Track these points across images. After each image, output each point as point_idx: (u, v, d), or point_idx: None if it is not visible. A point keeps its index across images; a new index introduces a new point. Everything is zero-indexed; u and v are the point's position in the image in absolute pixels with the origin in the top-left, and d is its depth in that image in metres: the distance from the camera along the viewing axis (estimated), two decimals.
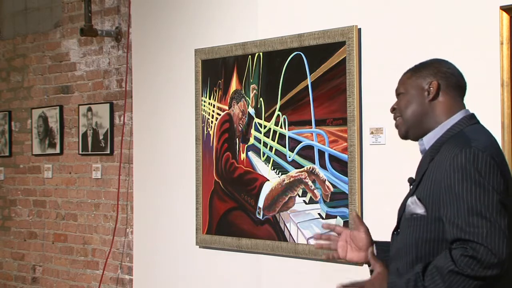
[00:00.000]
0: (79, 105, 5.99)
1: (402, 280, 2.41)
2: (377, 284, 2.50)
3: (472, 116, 2.60)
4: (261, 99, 4.57)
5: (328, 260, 2.73)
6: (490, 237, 2.30)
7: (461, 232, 2.34)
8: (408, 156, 3.85)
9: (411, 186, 2.59)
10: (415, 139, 2.64)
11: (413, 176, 2.66)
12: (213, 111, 4.85)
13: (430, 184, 2.46)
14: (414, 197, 2.50)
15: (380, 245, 2.75)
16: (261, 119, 4.57)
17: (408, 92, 2.63)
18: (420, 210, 2.48)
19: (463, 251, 2.32)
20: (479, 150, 2.39)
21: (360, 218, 2.78)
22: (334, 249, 2.72)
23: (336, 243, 2.73)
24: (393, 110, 2.69)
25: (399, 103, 2.65)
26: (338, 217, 4.15)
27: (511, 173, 2.48)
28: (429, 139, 2.59)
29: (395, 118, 2.68)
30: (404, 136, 2.66)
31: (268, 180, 4.52)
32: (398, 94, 2.68)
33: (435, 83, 2.59)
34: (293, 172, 4.37)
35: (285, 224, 4.42)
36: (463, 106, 2.62)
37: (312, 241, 4.26)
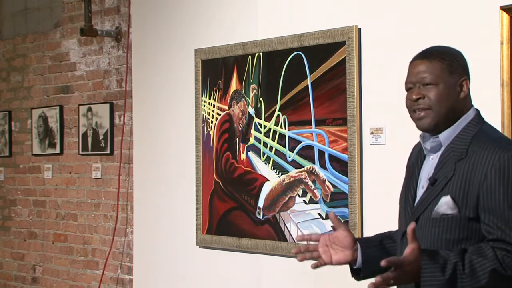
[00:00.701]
0: (79, 105, 5.99)
1: (436, 265, 2.35)
2: (414, 264, 2.36)
3: (479, 112, 2.59)
4: (261, 99, 4.57)
5: (316, 267, 2.65)
6: None
7: (504, 235, 2.36)
8: (408, 156, 3.85)
9: (432, 187, 2.51)
10: (435, 133, 2.55)
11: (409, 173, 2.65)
12: (213, 111, 4.85)
13: (464, 185, 2.43)
14: (449, 197, 2.45)
15: (364, 241, 2.68)
16: (261, 119, 4.57)
17: (439, 85, 2.52)
18: (452, 210, 2.44)
19: (507, 253, 2.34)
20: None
21: (338, 217, 2.72)
22: (317, 256, 2.65)
23: (317, 251, 2.62)
24: (418, 99, 2.53)
25: (428, 94, 2.52)
26: (338, 217, 4.14)
27: None
28: (446, 137, 2.53)
29: (420, 109, 2.54)
30: (432, 128, 2.54)
31: (268, 180, 4.52)
32: (423, 83, 2.53)
33: (467, 82, 2.56)
34: (293, 172, 4.37)
35: (285, 224, 4.42)
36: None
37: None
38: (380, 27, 4.04)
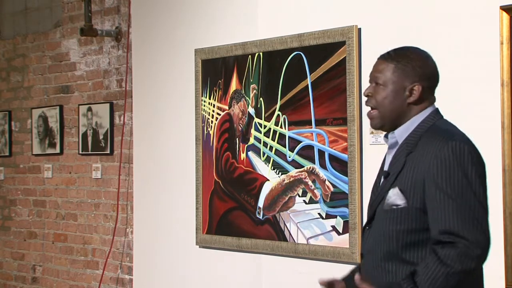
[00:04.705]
0: (79, 105, 5.99)
1: None
2: None
3: (438, 110, 2.63)
4: (261, 99, 4.57)
5: None
6: (473, 231, 2.39)
7: (444, 225, 2.41)
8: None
9: (386, 179, 2.60)
10: (390, 130, 2.65)
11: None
12: (213, 111, 4.85)
13: (412, 176, 2.50)
14: (397, 189, 2.52)
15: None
16: (261, 119, 4.57)
17: (387, 87, 2.60)
18: (401, 201, 2.51)
19: (448, 248, 2.39)
20: (464, 143, 2.46)
21: (325, 280, 2.79)
22: None
23: None
24: (367, 96, 2.65)
25: (376, 95, 2.62)
26: (338, 217, 4.15)
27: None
28: (401, 132, 2.60)
29: (368, 105, 2.65)
30: (378, 128, 2.67)
31: (268, 180, 4.52)
32: (376, 82, 2.63)
33: (419, 88, 2.59)
34: (293, 172, 4.37)
35: (285, 224, 4.42)
36: (434, 101, 2.64)
37: (312, 241, 4.27)
38: (380, 27, 4.05)
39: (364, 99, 4.06)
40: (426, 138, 2.52)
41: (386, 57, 2.65)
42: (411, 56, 2.61)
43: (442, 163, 2.43)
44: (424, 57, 2.62)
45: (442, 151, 2.44)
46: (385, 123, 2.63)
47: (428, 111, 2.60)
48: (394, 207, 2.52)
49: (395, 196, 2.52)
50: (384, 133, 2.70)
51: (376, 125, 2.66)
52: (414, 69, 2.59)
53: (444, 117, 2.63)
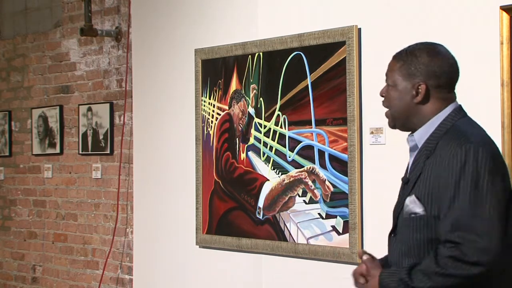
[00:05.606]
0: (79, 105, 5.99)
1: (392, 278, 2.42)
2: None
3: (461, 108, 2.55)
4: (261, 99, 4.57)
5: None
6: (479, 239, 2.29)
7: (451, 233, 2.33)
8: (408, 156, 3.85)
9: (406, 186, 2.53)
10: (404, 130, 2.60)
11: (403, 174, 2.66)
12: (213, 111, 4.85)
13: (429, 183, 2.41)
14: (413, 196, 2.44)
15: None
16: (261, 119, 4.57)
17: (395, 86, 2.55)
18: (419, 209, 2.43)
19: (449, 251, 2.31)
20: (479, 146, 2.36)
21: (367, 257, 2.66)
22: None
23: None
24: (382, 96, 2.61)
25: (388, 94, 2.58)
26: (338, 217, 4.15)
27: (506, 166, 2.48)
28: (421, 135, 2.53)
29: (383, 105, 2.62)
30: (392, 127, 2.62)
31: (268, 180, 4.52)
32: (386, 82, 2.58)
33: (423, 87, 2.50)
34: (293, 172, 4.37)
35: (285, 224, 4.42)
36: (453, 99, 2.55)
37: (312, 241, 4.27)
38: (380, 27, 4.05)
39: (364, 98, 4.09)
40: (444, 141, 2.43)
41: (397, 56, 2.58)
42: (417, 53, 2.53)
43: (456, 165, 2.33)
44: (431, 54, 2.52)
45: (456, 157, 2.34)
46: (396, 122, 2.58)
47: (447, 111, 2.51)
48: (413, 215, 2.44)
49: (412, 204, 2.44)
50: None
51: (390, 125, 2.62)
52: (417, 68, 2.51)
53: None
